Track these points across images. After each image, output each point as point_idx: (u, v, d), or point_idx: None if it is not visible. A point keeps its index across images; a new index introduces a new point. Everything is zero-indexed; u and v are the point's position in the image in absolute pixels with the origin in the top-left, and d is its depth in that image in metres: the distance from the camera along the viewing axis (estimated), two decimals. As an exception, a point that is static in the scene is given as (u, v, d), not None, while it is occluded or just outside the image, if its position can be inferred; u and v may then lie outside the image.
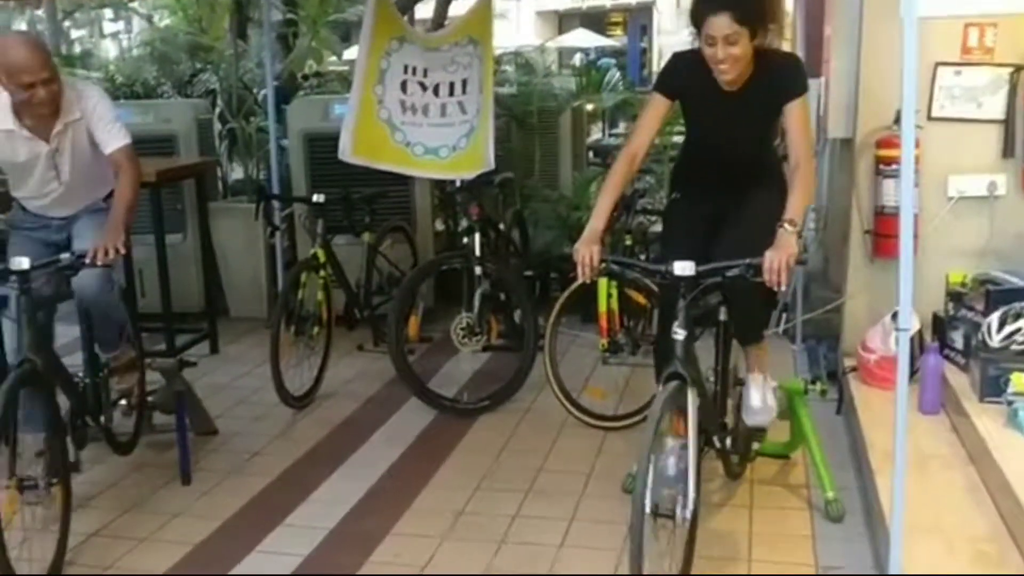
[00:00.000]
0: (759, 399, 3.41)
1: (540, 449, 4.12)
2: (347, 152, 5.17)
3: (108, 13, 25.68)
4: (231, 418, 4.58)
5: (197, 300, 5.91)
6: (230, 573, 3.20)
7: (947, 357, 4.07)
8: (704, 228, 3.27)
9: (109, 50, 22.97)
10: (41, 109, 3.33)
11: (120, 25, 26.47)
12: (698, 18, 3.02)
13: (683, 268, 2.79)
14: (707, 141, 3.36)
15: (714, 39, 2.98)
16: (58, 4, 21.73)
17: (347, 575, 3.16)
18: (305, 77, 8.60)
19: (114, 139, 3.47)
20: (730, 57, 3.00)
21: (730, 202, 3.26)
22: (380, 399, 4.81)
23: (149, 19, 17.16)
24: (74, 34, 26.99)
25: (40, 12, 20.22)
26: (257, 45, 7.47)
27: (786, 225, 2.84)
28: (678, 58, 3.29)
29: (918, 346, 4.00)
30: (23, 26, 26.66)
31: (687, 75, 3.19)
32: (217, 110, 7.03)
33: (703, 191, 3.34)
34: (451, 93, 5.18)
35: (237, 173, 7.34)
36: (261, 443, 4.28)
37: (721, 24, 2.95)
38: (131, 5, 20.93)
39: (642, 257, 5.13)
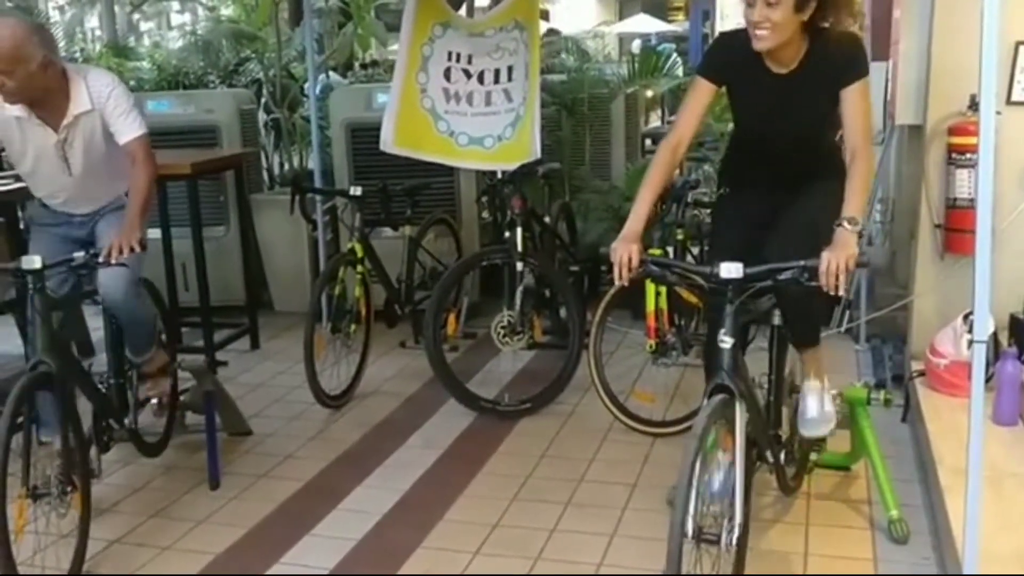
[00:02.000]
0: (816, 408, 3.15)
1: (582, 457, 3.91)
2: (389, 143, 5.02)
3: (176, 5, 26.13)
4: (266, 418, 4.45)
5: (241, 294, 5.81)
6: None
7: (1026, 363, 3.76)
8: (755, 228, 3.00)
9: (176, 42, 23.32)
10: (9, 98, 3.19)
11: (187, 17, 26.90)
12: None
13: (730, 270, 2.54)
14: (757, 130, 3.09)
15: None
16: (125, -4, 22.13)
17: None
18: (364, 66, 8.50)
19: (129, 129, 3.33)
20: (768, 21, 2.73)
21: (785, 200, 2.99)
22: (419, 399, 4.65)
23: (211, 10, 17.30)
24: (143, 26, 27.52)
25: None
26: (301, 33, 7.35)
27: (845, 224, 2.58)
28: (724, 38, 3.05)
29: (993, 351, 3.68)
30: (95, 20, 27.21)
31: (734, 56, 2.92)
32: (262, 100, 6.93)
33: (754, 187, 3.08)
34: (496, 80, 4.98)
35: (286, 164, 7.25)
36: (294, 445, 4.14)
37: None
38: (195, -4, 21.16)
39: (695, 252, 4.87)
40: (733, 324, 2.57)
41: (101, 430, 3.49)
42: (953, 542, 2.79)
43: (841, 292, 2.53)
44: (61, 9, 25.13)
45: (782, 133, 2.99)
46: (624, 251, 2.66)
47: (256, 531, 3.40)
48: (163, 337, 3.85)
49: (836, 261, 2.47)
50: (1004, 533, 2.82)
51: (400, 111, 5.01)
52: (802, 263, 2.51)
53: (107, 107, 3.31)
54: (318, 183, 5.63)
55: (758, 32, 2.78)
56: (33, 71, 3.13)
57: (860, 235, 2.63)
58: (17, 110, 3.25)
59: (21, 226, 4.57)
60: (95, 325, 4.19)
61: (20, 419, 2.91)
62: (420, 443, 4.13)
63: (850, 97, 2.82)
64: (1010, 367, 3.58)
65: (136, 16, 26.39)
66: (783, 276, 2.54)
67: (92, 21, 27.78)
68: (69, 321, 3.54)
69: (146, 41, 23.14)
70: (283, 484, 3.76)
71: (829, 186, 2.86)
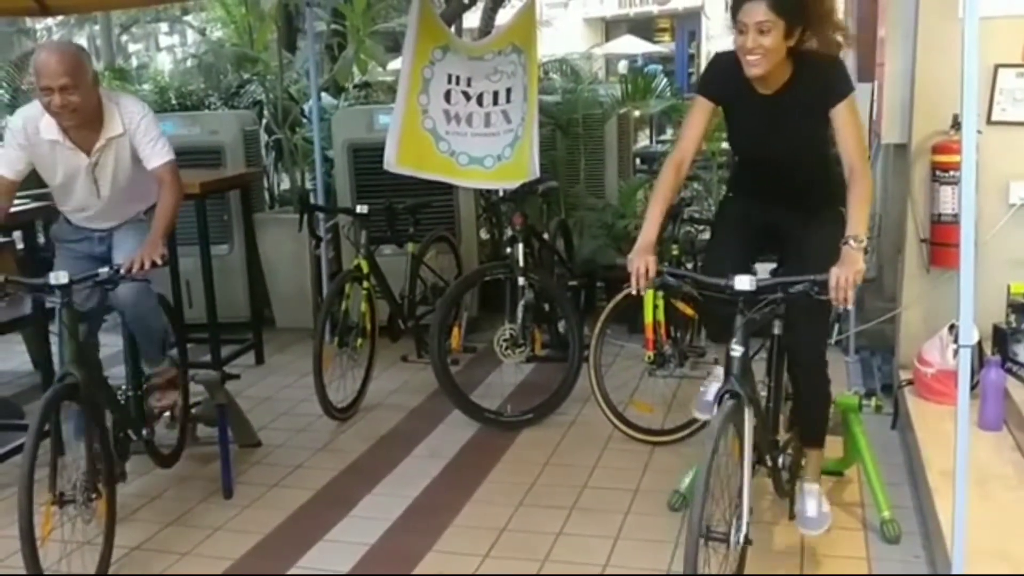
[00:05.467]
0: (815, 509, 3.25)
1: (585, 464, 4.04)
2: (392, 162, 5.14)
3: (164, 27, 26.24)
4: (274, 430, 4.57)
5: (243, 310, 5.93)
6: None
7: (1009, 371, 3.91)
8: (751, 238, 3.18)
9: (164, 63, 23.44)
10: (62, 119, 3.33)
11: (175, 39, 27.02)
12: (736, 5, 2.88)
13: (743, 283, 2.67)
14: (748, 149, 3.24)
15: (746, 26, 2.83)
16: (115, 19, 22.25)
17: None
18: (358, 87, 8.63)
19: (158, 156, 3.47)
20: (760, 47, 2.83)
21: (787, 221, 3.14)
22: (423, 411, 4.77)
23: (202, 32, 17.44)
24: (131, 48, 27.60)
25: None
26: (302, 56, 7.50)
27: (851, 242, 2.69)
28: (718, 59, 3.16)
29: (978, 359, 3.83)
30: (83, 42, 27.34)
31: (725, 77, 3.05)
32: (264, 121, 7.07)
33: (755, 201, 3.24)
34: (495, 102, 5.12)
35: (285, 184, 7.38)
36: (304, 456, 4.26)
37: (756, 10, 2.81)
38: (185, 19, 21.30)
39: (688, 267, 5.02)
40: (743, 333, 2.70)
41: (119, 441, 3.60)
42: (942, 541, 2.93)
43: (849, 306, 2.66)
44: (49, 30, 25.22)
45: (772, 153, 3.11)
46: (641, 262, 2.80)
47: (271, 537, 3.51)
48: (172, 352, 3.98)
49: (845, 276, 2.59)
50: (990, 531, 2.95)
51: (403, 131, 5.14)
52: (812, 277, 2.64)
53: (137, 133, 3.45)
54: (320, 202, 5.77)
55: (750, 59, 2.89)
56: (90, 85, 3.30)
57: (865, 251, 2.74)
58: (53, 133, 3.38)
59: (41, 241, 4.72)
60: (104, 341, 4.28)
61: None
62: (426, 453, 4.25)
63: (839, 116, 2.92)
64: (994, 374, 3.73)
65: (124, 38, 26.50)
66: (794, 289, 2.67)
67: (80, 42, 27.88)
68: (93, 335, 3.64)
69: (134, 62, 23.24)
70: (295, 493, 3.87)
71: (834, 215, 2.94)
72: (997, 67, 4.16)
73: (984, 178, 4.06)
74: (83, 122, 3.37)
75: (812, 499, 3.26)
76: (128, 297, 3.45)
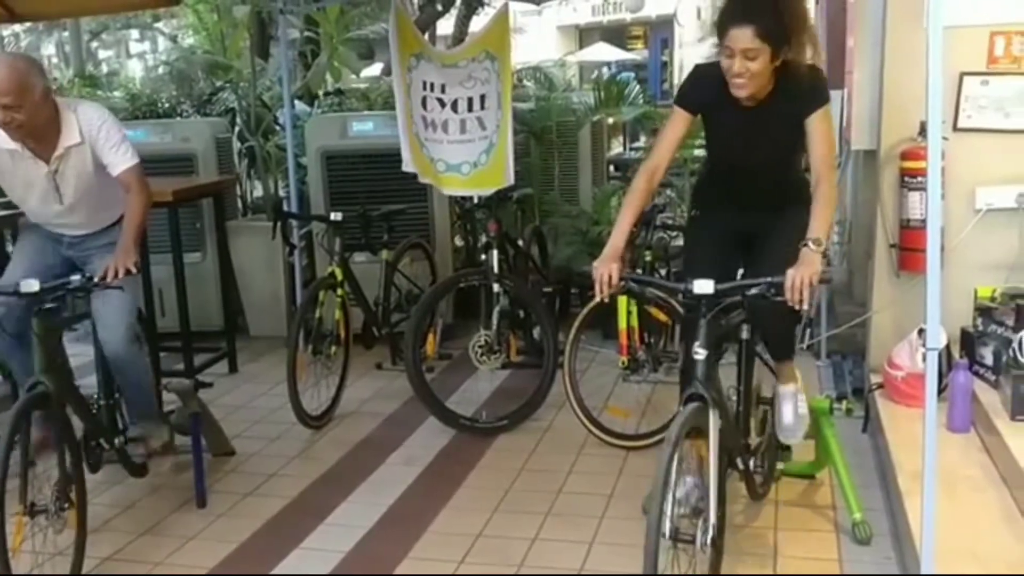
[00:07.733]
0: (791, 414, 3.33)
1: (560, 470, 4.05)
2: (409, 163, 5.11)
3: (134, 34, 26.05)
4: (248, 438, 4.54)
5: (216, 319, 5.90)
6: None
7: (976, 374, 3.97)
8: (728, 247, 3.22)
9: (135, 70, 23.28)
10: (8, 133, 3.29)
11: (146, 45, 26.83)
12: (721, 28, 2.93)
13: (702, 286, 2.72)
14: (728, 159, 3.28)
15: (733, 51, 2.89)
16: (84, 25, 22.07)
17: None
18: (331, 94, 8.62)
19: (121, 161, 3.44)
20: (747, 72, 2.90)
21: (756, 225, 3.18)
22: (398, 418, 4.77)
23: (173, 39, 17.37)
24: (101, 54, 27.39)
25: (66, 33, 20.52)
26: (274, 63, 7.48)
27: (810, 244, 2.74)
28: (699, 71, 3.21)
29: (946, 362, 3.89)
30: (51, 49, 27.09)
31: (707, 89, 3.10)
32: (236, 128, 7.04)
33: (726, 210, 3.27)
34: (469, 109, 5.12)
35: (258, 191, 7.36)
36: (278, 464, 4.24)
37: (742, 37, 2.87)
38: (156, 25, 21.18)
39: (663, 273, 5.06)
40: (706, 336, 2.74)
41: (91, 450, 3.57)
42: (912, 541, 2.96)
43: (805, 306, 2.70)
44: (17, 36, 24.98)
45: (752, 162, 3.17)
46: (605, 269, 2.83)
47: (246, 546, 3.49)
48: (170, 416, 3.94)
49: (800, 277, 2.64)
50: (959, 531, 3.00)
51: (408, 134, 5.14)
52: (768, 279, 2.69)
53: (98, 140, 3.41)
54: (294, 210, 5.75)
55: (738, 82, 2.94)
56: (37, 102, 3.24)
57: (824, 255, 2.80)
58: (11, 143, 3.34)
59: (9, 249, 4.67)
60: (73, 351, 4.24)
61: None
62: (401, 460, 4.25)
63: (813, 125, 2.99)
64: (962, 377, 3.78)
65: (95, 44, 26.30)
66: (751, 292, 2.72)
67: (48, 49, 27.62)
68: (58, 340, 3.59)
69: (104, 69, 23.10)
70: (269, 501, 3.85)
71: (801, 220, 2.95)
72: (962, 75, 4.23)
73: (951, 184, 4.13)
74: (33, 135, 3.33)
75: (788, 402, 3.34)
76: (106, 315, 3.42)
